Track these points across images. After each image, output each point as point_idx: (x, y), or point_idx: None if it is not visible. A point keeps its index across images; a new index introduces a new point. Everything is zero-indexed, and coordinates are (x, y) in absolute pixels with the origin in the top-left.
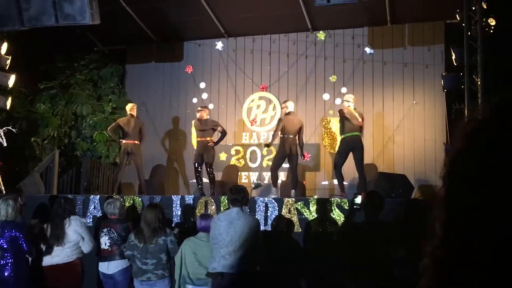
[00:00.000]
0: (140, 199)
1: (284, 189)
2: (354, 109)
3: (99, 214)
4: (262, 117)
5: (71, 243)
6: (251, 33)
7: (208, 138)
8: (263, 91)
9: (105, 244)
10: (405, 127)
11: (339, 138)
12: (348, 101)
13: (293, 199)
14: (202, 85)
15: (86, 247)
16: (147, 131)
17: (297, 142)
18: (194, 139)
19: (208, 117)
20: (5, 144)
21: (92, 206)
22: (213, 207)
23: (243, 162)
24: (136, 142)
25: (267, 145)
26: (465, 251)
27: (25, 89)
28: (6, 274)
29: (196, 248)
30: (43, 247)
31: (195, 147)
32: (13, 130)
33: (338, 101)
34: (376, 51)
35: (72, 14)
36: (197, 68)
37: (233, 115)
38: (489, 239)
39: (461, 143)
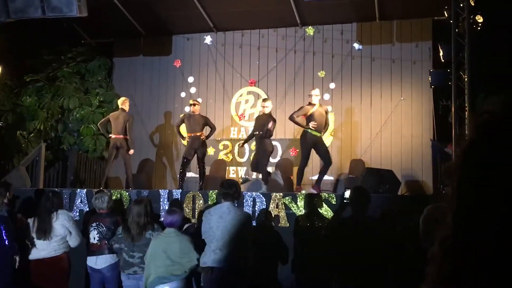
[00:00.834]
0: (127, 193)
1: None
2: (320, 105)
3: (85, 208)
4: (251, 112)
5: (58, 237)
6: (240, 28)
7: (199, 133)
8: (252, 85)
9: (94, 238)
10: (393, 123)
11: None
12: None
13: (281, 194)
14: (191, 79)
15: (73, 241)
16: (134, 125)
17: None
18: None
19: (199, 112)
20: None
21: (79, 200)
22: (201, 201)
23: (231, 157)
24: (124, 136)
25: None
26: (475, 241)
27: (11, 82)
28: None
29: (166, 245)
30: (29, 241)
31: (183, 141)
32: None
33: (326, 96)
34: (365, 47)
35: (59, 6)
36: (186, 62)
37: (222, 110)
38: (500, 230)
39: (474, 135)
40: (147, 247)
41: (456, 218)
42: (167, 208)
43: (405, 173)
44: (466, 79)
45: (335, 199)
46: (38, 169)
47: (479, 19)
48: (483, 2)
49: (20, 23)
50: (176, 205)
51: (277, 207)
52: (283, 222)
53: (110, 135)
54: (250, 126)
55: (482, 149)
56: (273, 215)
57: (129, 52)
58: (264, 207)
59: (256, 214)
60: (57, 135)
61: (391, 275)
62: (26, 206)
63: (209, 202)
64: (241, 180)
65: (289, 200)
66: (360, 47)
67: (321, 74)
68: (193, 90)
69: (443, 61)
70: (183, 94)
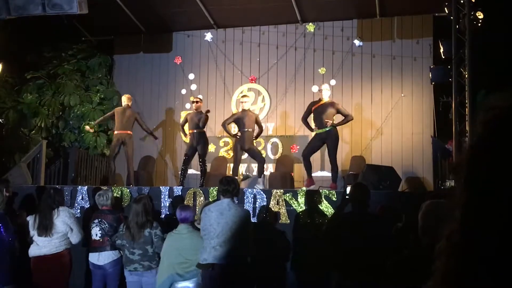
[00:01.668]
0: (128, 190)
1: (272, 180)
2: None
3: (86, 205)
4: (251, 108)
5: (60, 233)
6: (240, 25)
7: (201, 131)
8: (252, 82)
9: (96, 235)
10: (393, 119)
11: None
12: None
13: (282, 190)
14: (191, 76)
15: (75, 238)
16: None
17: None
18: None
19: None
20: None
21: (80, 197)
22: (202, 198)
23: (231, 154)
24: (129, 132)
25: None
26: (484, 235)
27: (12, 79)
28: None
29: (178, 243)
30: (31, 238)
31: (184, 138)
32: (0, 120)
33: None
34: (365, 43)
35: (60, 3)
36: (186, 59)
37: (222, 107)
38: (510, 223)
39: (483, 130)
40: (147, 245)
41: (465, 212)
42: (167, 204)
43: (405, 169)
44: (466, 76)
45: (335, 196)
46: (39, 166)
47: (480, 15)
48: None
49: (20, 20)
50: (179, 202)
51: (277, 204)
52: (284, 219)
53: (114, 131)
54: None
55: (490, 144)
56: (274, 213)
57: (130, 49)
58: (265, 203)
59: (257, 210)
60: (58, 132)
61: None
62: (27, 203)
63: (210, 199)
64: (241, 177)
65: (290, 197)
66: (361, 43)
67: (322, 70)
68: (193, 87)
69: (443, 57)
70: (183, 91)
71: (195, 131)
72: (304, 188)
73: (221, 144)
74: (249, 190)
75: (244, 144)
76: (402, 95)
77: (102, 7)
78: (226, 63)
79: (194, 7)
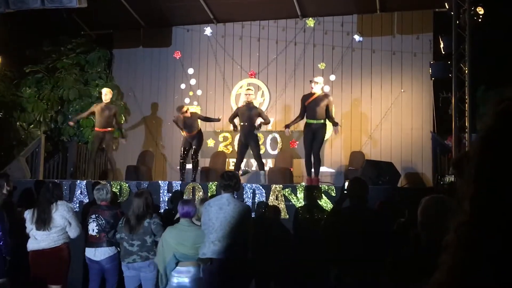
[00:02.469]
0: (127, 185)
1: (272, 176)
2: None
3: (85, 199)
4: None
5: (58, 228)
6: (240, 19)
7: (194, 132)
8: (252, 77)
9: (93, 230)
10: (393, 115)
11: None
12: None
13: (281, 186)
14: (191, 71)
15: (73, 232)
16: (134, 117)
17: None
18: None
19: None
20: None
21: (79, 191)
22: (200, 193)
23: (231, 149)
24: (109, 129)
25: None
26: (494, 226)
27: (11, 73)
28: None
29: (181, 237)
30: (29, 231)
31: (182, 133)
32: None
33: (326, 88)
34: (365, 39)
35: None
36: (186, 54)
37: (222, 101)
38: None
39: (493, 122)
40: (146, 235)
41: (474, 203)
42: (166, 199)
43: (405, 165)
44: (466, 71)
45: (334, 191)
46: (38, 160)
47: (480, 10)
48: None
49: (19, 14)
50: (178, 196)
51: (276, 199)
52: (283, 214)
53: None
54: None
55: (502, 135)
56: (273, 208)
57: (129, 44)
58: (264, 199)
59: (256, 206)
60: (57, 126)
61: (389, 267)
62: (26, 197)
63: (209, 194)
64: (241, 172)
65: (289, 192)
66: (361, 39)
67: (322, 66)
68: (193, 81)
69: (443, 53)
70: (183, 86)
71: (190, 133)
72: (303, 183)
73: (220, 139)
74: (248, 185)
75: (243, 138)
76: (402, 90)
77: (101, 1)
78: (225, 58)
79: (193, 2)
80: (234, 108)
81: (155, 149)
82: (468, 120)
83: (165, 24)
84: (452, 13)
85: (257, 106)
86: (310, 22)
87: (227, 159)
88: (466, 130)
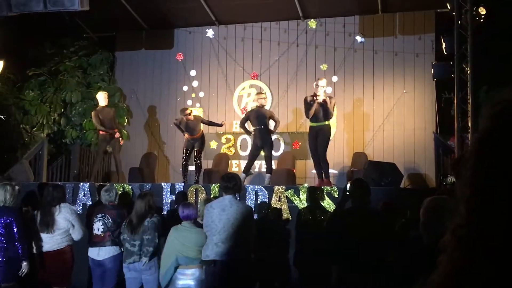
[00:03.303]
0: (130, 187)
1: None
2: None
3: (89, 202)
4: (253, 105)
5: (61, 230)
6: (242, 21)
7: (196, 135)
8: (254, 79)
9: (98, 229)
10: (395, 116)
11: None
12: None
13: (283, 187)
14: (193, 72)
15: (76, 234)
16: (136, 119)
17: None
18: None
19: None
20: None
21: (82, 194)
22: (203, 195)
23: (233, 151)
24: (115, 130)
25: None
26: (490, 229)
27: (13, 76)
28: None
29: (183, 238)
30: (33, 234)
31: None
32: (1, 117)
33: (329, 89)
34: (367, 39)
35: (61, 0)
36: (188, 56)
37: (224, 103)
38: None
39: (489, 124)
40: (146, 234)
41: (470, 206)
42: (169, 201)
43: (407, 166)
44: (468, 72)
45: (337, 192)
46: (41, 163)
47: (482, 11)
48: None
49: (22, 17)
50: (181, 198)
51: (279, 200)
52: (286, 215)
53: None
54: None
55: (498, 137)
56: (276, 210)
57: (131, 46)
58: (267, 200)
59: (259, 207)
60: (60, 129)
61: (391, 267)
62: (30, 200)
63: (212, 196)
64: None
65: (292, 193)
66: (363, 40)
67: (324, 67)
68: (195, 83)
69: (445, 53)
70: (185, 88)
71: (188, 136)
72: (305, 185)
73: (223, 140)
74: (251, 186)
75: (260, 141)
76: (404, 91)
77: (103, 3)
78: (227, 60)
79: (195, 4)
80: (237, 110)
81: (158, 151)
82: (471, 120)
83: (167, 26)
84: (454, 13)
85: (267, 108)
86: (312, 23)
87: (229, 161)
88: (469, 130)
